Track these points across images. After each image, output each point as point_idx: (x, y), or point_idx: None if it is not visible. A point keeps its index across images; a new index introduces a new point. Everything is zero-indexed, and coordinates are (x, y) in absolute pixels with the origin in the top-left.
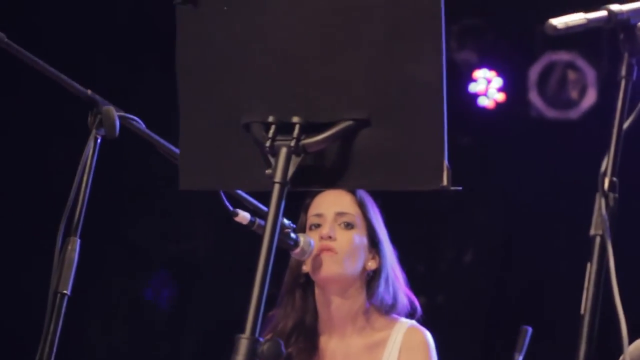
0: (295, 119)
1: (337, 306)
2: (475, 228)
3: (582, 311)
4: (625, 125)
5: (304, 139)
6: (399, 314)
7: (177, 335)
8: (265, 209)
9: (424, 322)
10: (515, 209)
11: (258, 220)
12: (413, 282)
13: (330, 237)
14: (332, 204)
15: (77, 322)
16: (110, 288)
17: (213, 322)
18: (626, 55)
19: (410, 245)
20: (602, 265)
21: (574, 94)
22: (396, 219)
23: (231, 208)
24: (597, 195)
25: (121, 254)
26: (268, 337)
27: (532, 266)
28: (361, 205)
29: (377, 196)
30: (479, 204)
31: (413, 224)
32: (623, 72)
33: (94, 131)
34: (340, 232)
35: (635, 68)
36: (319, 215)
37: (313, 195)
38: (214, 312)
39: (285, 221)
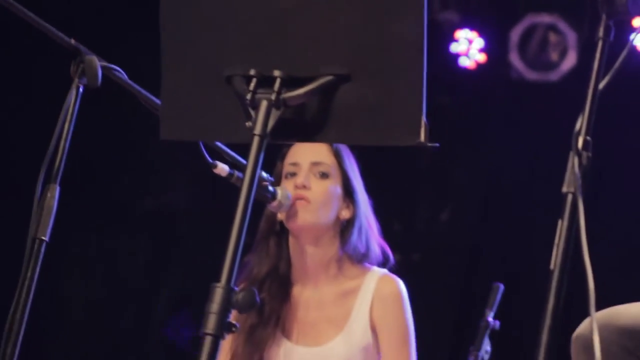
0: (276, 73)
1: (310, 254)
2: (453, 187)
3: (551, 267)
4: (601, 85)
5: (284, 93)
6: (372, 263)
7: (154, 288)
8: (244, 161)
9: (400, 278)
10: (494, 169)
11: (237, 173)
12: (389, 240)
13: (304, 187)
14: (308, 153)
15: (52, 271)
16: (88, 239)
17: (192, 274)
18: (604, 16)
19: (387, 203)
20: (573, 223)
21: (554, 56)
22: (374, 177)
23: (210, 160)
24: (571, 154)
25: (99, 205)
26: (242, 283)
27: (508, 225)
28: (337, 155)
29: (356, 153)
30: (457, 164)
31: (390, 182)
32: (601, 33)
33: (76, 80)
34: (315, 181)
35: (613, 30)
36: (294, 164)
37: (289, 144)
38: (193, 264)
39: (264, 174)
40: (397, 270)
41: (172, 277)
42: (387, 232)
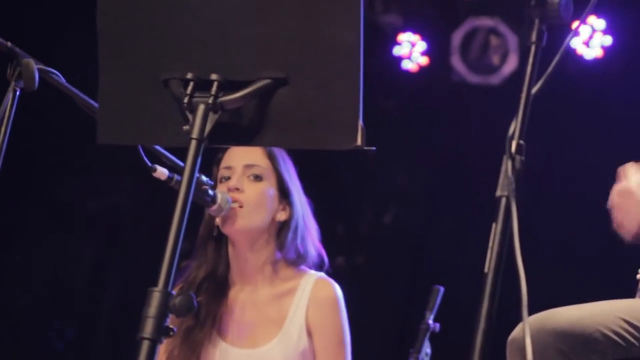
0: (213, 77)
1: (246, 257)
2: (396, 189)
3: (485, 270)
4: (534, 90)
5: (221, 97)
6: (308, 266)
7: (99, 291)
8: (183, 165)
9: (344, 282)
10: (435, 171)
11: (176, 176)
12: (333, 243)
13: (237, 189)
14: (241, 156)
15: None
16: (31, 243)
17: (135, 277)
18: (536, 21)
19: (330, 206)
20: (507, 226)
21: (495, 60)
22: (317, 180)
23: (149, 163)
24: (504, 158)
25: (41, 210)
26: (178, 286)
27: (450, 227)
28: (271, 158)
29: (299, 156)
30: (400, 166)
31: (333, 185)
32: (533, 37)
33: (12, 83)
34: (248, 184)
35: (545, 34)
36: (228, 168)
37: (225, 148)
38: (136, 268)
39: (204, 178)
40: (341, 272)
41: (115, 281)
42: (330, 235)
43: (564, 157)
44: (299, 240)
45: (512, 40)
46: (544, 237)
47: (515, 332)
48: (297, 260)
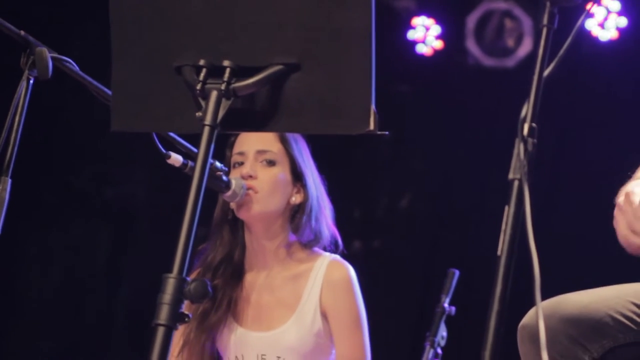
0: (225, 63)
1: (262, 242)
2: (411, 174)
3: (498, 253)
4: (546, 72)
5: (234, 83)
6: (322, 248)
7: (115, 280)
8: (197, 151)
9: (361, 266)
10: (452, 156)
11: (190, 163)
12: (350, 227)
13: (250, 176)
14: (253, 142)
15: (11, 264)
16: (47, 231)
17: (151, 265)
18: (548, 4)
19: (347, 190)
20: (519, 209)
21: (510, 43)
22: (334, 165)
23: (164, 150)
24: (517, 140)
25: (57, 197)
26: (196, 272)
27: (466, 211)
28: (283, 141)
29: (315, 141)
30: (415, 150)
31: (350, 169)
32: (545, 20)
33: (26, 72)
34: (261, 169)
35: (557, 16)
36: (241, 154)
37: (237, 133)
38: (152, 255)
39: (218, 164)
40: (357, 257)
41: (132, 268)
42: (347, 219)
43: (578, 140)
44: (313, 222)
45: (527, 23)
46: (557, 221)
47: (526, 318)
48: (311, 243)
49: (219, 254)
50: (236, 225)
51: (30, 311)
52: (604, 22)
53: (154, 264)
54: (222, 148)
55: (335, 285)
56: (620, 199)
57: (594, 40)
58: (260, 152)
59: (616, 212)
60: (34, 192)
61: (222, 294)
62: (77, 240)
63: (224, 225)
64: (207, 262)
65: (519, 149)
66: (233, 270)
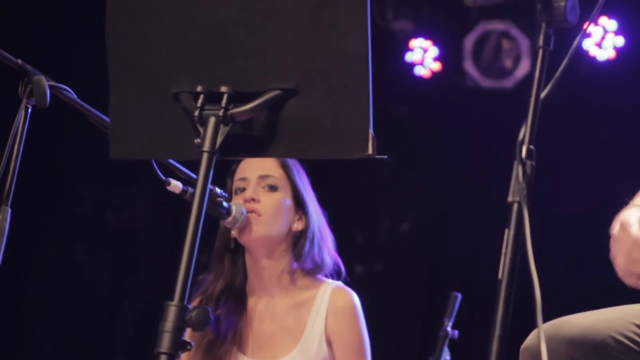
0: (223, 89)
1: (264, 267)
2: (413, 197)
3: (499, 276)
4: (543, 94)
5: (232, 109)
6: (325, 275)
7: (117, 305)
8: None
9: (363, 290)
10: (452, 178)
11: (190, 189)
12: (352, 251)
13: (253, 200)
14: (255, 167)
15: (14, 293)
16: (48, 258)
17: (152, 290)
18: (543, 25)
19: (348, 214)
20: (519, 232)
21: (508, 63)
22: (334, 189)
23: (163, 177)
24: (515, 163)
25: (58, 224)
26: (197, 300)
27: (467, 233)
28: (285, 168)
29: (315, 165)
30: (415, 172)
31: (351, 193)
32: (540, 42)
33: (24, 100)
34: (263, 194)
35: (552, 38)
36: (243, 179)
37: (239, 160)
38: (153, 281)
39: (218, 190)
40: (360, 281)
41: (133, 294)
42: (349, 244)
43: (578, 160)
44: (315, 250)
45: (525, 43)
46: (556, 243)
47: (528, 340)
48: (314, 270)
49: (219, 284)
50: (237, 255)
51: (33, 336)
52: (601, 42)
53: (155, 288)
54: (223, 175)
55: (340, 313)
56: (616, 229)
57: (592, 60)
58: (262, 177)
59: (612, 243)
60: (35, 219)
61: (226, 324)
62: (79, 267)
63: (225, 255)
64: (209, 293)
65: (518, 172)
66: (235, 299)
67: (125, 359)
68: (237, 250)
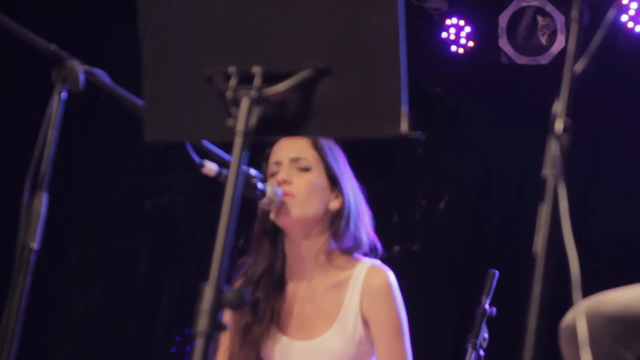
0: (255, 69)
1: (302, 249)
2: (449, 175)
3: (535, 251)
4: (577, 67)
5: (265, 89)
6: (362, 253)
7: (156, 291)
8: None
9: (401, 270)
10: (488, 156)
11: (225, 171)
12: (389, 232)
13: (285, 182)
14: (287, 150)
15: (54, 278)
16: (88, 244)
17: (191, 276)
18: None
19: (385, 195)
20: (555, 206)
21: (543, 40)
22: (371, 170)
23: (198, 159)
24: (550, 136)
25: (96, 210)
26: (238, 282)
27: (504, 210)
28: (317, 148)
29: (351, 146)
30: (452, 151)
31: (388, 173)
32: (574, 14)
33: (58, 86)
34: (296, 175)
35: (587, 11)
36: (276, 163)
37: (272, 144)
38: (192, 266)
39: (253, 171)
40: (397, 260)
41: (172, 279)
42: (387, 224)
43: (616, 136)
44: (352, 228)
45: (559, 19)
46: (595, 220)
47: (568, 318)
48: (352, 249)
49: (259, 267)
50: (276, 237)
51: (72, 323)
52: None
53: (195, 273)
54: (257, 159)
55: (375, 292)
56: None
57: (630, 33)
58: (294, 159)
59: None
60: (73, 206)
61: (264, 306)
62: (118, 252)
63: (263, 238)
64: (248, 276)
65: (553, 145)
66: (274, 282)
67: (165, 344)
68: (276, 234)
